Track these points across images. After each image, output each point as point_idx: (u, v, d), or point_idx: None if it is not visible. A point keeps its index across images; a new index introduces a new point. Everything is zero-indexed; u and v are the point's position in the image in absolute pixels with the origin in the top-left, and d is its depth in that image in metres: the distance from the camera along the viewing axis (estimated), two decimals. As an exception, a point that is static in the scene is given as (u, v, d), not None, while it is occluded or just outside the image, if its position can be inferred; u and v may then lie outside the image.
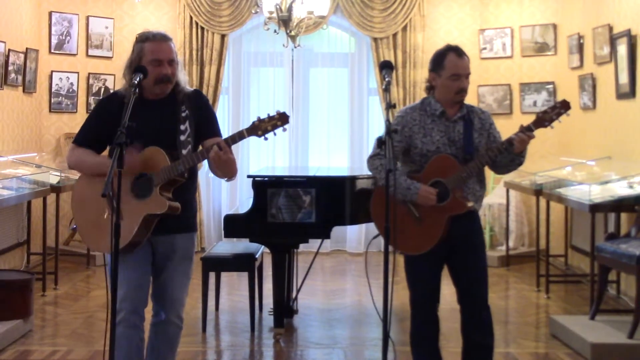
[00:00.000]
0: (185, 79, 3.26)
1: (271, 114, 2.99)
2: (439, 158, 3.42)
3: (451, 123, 3.47)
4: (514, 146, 3.33)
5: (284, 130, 3.02)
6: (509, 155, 3.39)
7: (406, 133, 3.48)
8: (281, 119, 2.98)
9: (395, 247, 3.54)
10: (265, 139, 3.02)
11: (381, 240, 3.20)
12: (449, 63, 3.43)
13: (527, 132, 3.32)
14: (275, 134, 3.02)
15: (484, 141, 3.47)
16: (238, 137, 2.99)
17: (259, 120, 2.99)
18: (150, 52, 3.12)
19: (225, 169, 3.07)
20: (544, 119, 3.35)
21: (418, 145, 3.46)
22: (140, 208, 2.99)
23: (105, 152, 3.26)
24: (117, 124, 3.07)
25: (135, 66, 3.09)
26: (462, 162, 3.40)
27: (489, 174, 7.68)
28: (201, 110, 3.21)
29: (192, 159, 3.03)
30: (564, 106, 3.33)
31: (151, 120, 3.04)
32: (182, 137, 3.10)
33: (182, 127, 3.12)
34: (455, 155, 3.42)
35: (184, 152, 3.07)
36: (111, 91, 3.36)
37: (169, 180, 3.02)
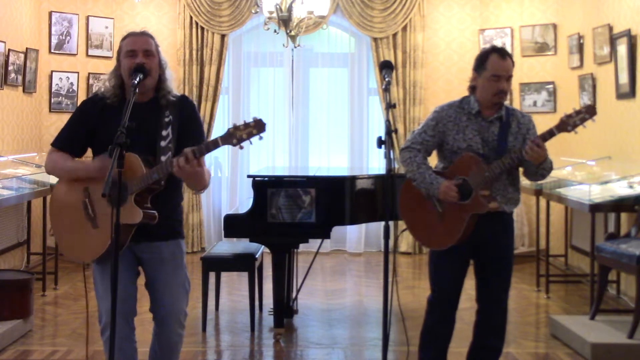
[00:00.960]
0: (172, 82, 3.14)
1: (247, 121, 2.83)
2: (465, 157, 3.42)
3: (487, 123, 3.45)
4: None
5: (260, 139, 2.84)
6: (533, 166, 3.39)
7: (440, 129, 3.49)
8: (257, 127, 2.82)
9: (420, 242, 3.54)
10: (241, 147, 2.85)
11: (381, 240, 3.21)
12: (490, 63, 3.42)
13: (537, 142, 3.28)
14: (251, 143, 2.85)
15: (518, 145, 3.42)
16: (212, 145, 2.85)
17: (234, 127, 2.83)
18: (125, 46, 3.07)
19: (191, 181, 2.95)
20: (568, 123, 3.32)
21: (450, 142, 3.47)
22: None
23: (84, 157, 3.20)
24: (97, 127, 3.05)
25: (115, 66, 3.08)
26: (491, 163, 3.39)
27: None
28: (185, 116, 3.10)
29: (167, 167, 2.88)
30: (589, 112, 3.29)
31: (132, 121, 2.81)
32: (163, 143, 3.00)
33: (164, 133, 3.01)
34: (487, 156, 3.40)
35: (164, 158, 2.94)
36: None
37: (144, 188, 2.91)
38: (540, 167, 3.40)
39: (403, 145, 3.58)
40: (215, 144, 2.85)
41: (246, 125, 2.83)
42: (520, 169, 3.54)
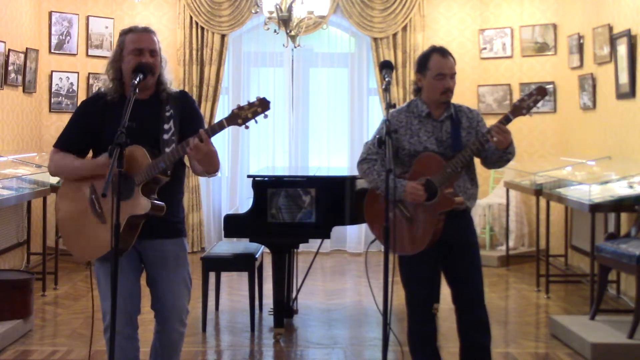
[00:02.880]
0: (170, 78, 3.15)
1: (251, 100, 2.85)
2: (424, 157, 3.43)
3: (438, 123, 3.48)
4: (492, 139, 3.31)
5: (265, 117, 2.86)
6: (498, 152, 3.39)
7: (393, 136, 3.49)
8: (261, 105, 2.84)
9: (392, 249, 3.55)
10: (247, 127, 2.87)
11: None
12: (433, 63, 3.45)
13: (500, 125, 3.29)
14: (256, 122, 2.86)
15: (472, 139, 3.45)
16: (218, 127, 2.86)
17: (239, 107, 2.84)
18: (131, 42, 3.04)
19: (206, 162, 2.94)
20: (522, 107, 3.33)
21: (406, 147, 3.48)
22: (123, 210, 2.78)
23: (88, 156, 3.19)
24: (98, 126, 3.04)
25: (115, 58, 3.06)
26: (448, 160, 3.40)
27: (488, 173, 7.71)
28: (186, 110, 3.12)
29: (174, 155, 2.90)
30: (540, 92, 3.32)
31: (134, 119, 2.84)
32: (166, 136, 3.00)
33: (166, 126, 3.02)
34: (444, 154, 3.42)
35: (168, 150, 2.94)
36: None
37: (151, 179, 2.91)
38: (506, 152, 3.39)
39: (359, 159, 3.60)
40: (220, 126, 2.86)
41: (250, 104, 2.84)
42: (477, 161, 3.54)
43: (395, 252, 3.48)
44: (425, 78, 3.48)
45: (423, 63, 3.49)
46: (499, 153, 3.39)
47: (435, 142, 3.45)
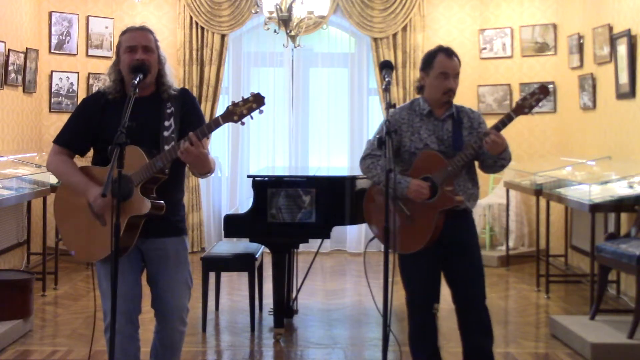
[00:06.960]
0: (172, 76, 3.15)
1: (245, 97, 2.85)
2: (425, 154, 3.44)
3: (439, 122, 3.50)
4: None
5: (260, 112, 2.86)
6: (492, 157, 3.39)
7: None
8: (256, 101, 2.84)
9: (392, 248, 3.54)
10: (242, 123, 2.88)
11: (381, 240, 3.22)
12: (437, 62, 3.46)
13: (494, 131, 3.29)
14: (252, 118, 2.87)
15: (473, 139, 3.44)
16: (214, 125, 2.87)
17: (234, 104, 2.85)
18: (125, 41, 3.06)
19: (197, 164, 2.93)
20: (524, 106, 3.35)
21: (406, 144, 3.49)
22: (123, 211, 2.80)
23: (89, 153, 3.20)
24: (99, 124, 3.05)
25: (115, 61, 3.08)
26: (449, 159, 3.41)
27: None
28: (187, 108, 3.12)
29: (170, 154, 2.89)
30: (543, 91, 3.34)
31: (135, 117, 2.84)
32: (166, 133, 3.01)
33: (167, 124, 3.03)
34: (445, 153, 3.43)
35: (167, 148, 2.94)
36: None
37: (149, 178, 2.91)
38: (500, 158, 3.40)
39: (362, 155, 3.61)
40: (216, 123, 2.87)
41: (245, 100, 2.85)
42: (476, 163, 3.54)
43: (395, 251, 3.47)
44: (429, 77, 3.49)
45: (428, 61, 3.50)
46: (494, 158, 3.40)
47: (435, 141, 3.46)
